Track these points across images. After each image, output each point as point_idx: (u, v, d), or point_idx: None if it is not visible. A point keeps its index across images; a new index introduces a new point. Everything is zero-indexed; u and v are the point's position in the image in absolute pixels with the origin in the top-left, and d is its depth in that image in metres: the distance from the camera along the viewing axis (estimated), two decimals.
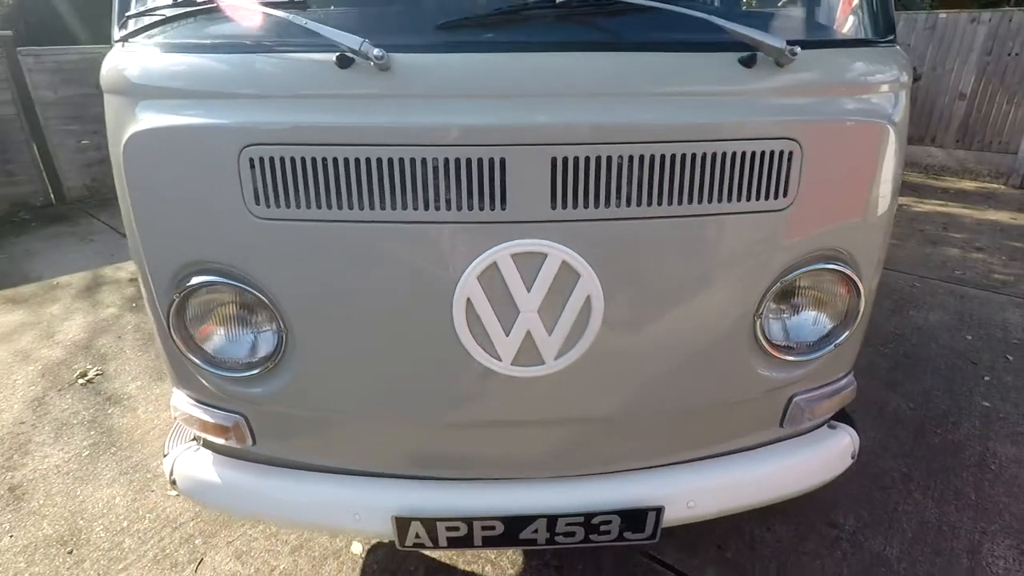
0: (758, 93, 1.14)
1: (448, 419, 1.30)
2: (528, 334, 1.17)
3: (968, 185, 6.63)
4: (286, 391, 1.29)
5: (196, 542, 1.98)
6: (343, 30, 1.04)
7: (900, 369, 2.92)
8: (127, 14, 1.24)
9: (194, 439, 1.59)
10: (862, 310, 1.33)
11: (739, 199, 1.14)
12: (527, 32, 1.14)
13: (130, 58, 1.20)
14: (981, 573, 1.82)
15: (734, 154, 1.11)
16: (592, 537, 1.38)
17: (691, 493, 1.41)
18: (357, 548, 1.95)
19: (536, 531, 1.36)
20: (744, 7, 2.40)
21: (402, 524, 1.34)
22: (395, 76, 1.06)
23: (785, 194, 1.16)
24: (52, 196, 5.72)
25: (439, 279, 1.14)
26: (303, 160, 1.07)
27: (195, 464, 1.49)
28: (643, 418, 1.36)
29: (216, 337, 1.29)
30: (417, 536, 1.36)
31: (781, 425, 1.48)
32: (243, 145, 1.08)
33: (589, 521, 1.35)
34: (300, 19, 1.06)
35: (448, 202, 1.08)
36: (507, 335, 1.17)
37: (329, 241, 1.13)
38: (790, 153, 1.13)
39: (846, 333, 1.33)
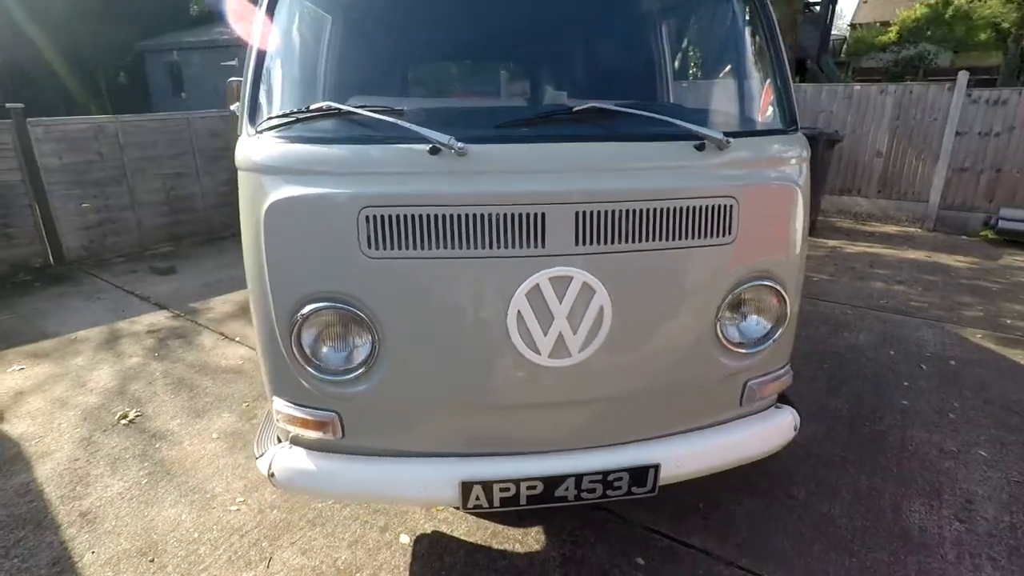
0: (707, 167, 1.70)
1: (501, 402, 1.75)
2: (560, 335, 1.65)
3: (890, 229, 7.55)
4: (377, 389, 1.72)
5: (263, 544, 2.31)
6: (431, 128, 1.56)
7: (836, 379, 3.50)
8: (269, 115, 1.73)
9: (278, 440, 1.98)
10: (789, 315, 1.86)
11: (699, 236, 1.67)
12: (554, 129, 1.69)
13: (267, 146, 1.68)
14: (901, 522, 2.33)
15: (694, 207, 1.65)
16: (608, 492, 1.82)
17: (679, 456, 1.87)
18: (405, 539, 2.31)
19: (567, 488, 1.79)
20: (691, 79, 3.02)
21: (466, 488, 1.75)
22: (470, 160, 1.57)
23: (729, 233, 1.70)
24: (51, 257, 5.94)
25: (499, 296, 1.61)
26: (405, 216, 1.55)
27: (291, 459, 1.87)
28: (640, 398, 1.84)
29: (325, 349, 1.72)
30: (477, 498, 1.77)
31: (740, 404, 1.98)
32: (362, 207, 1.56)
33: (606, 478, 1.80)
34: (404, 123, 1.58)
35: (506, 243, 1.57)
36: (544, 336, 1.65)
37: (419, 271, 1.60)
38: (730, 206, 1.69)
39: (780, 331, 1.87)
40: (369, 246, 1.58)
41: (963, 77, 7.06)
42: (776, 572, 2.12)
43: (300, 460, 1.86)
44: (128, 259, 6.26)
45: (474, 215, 1.56)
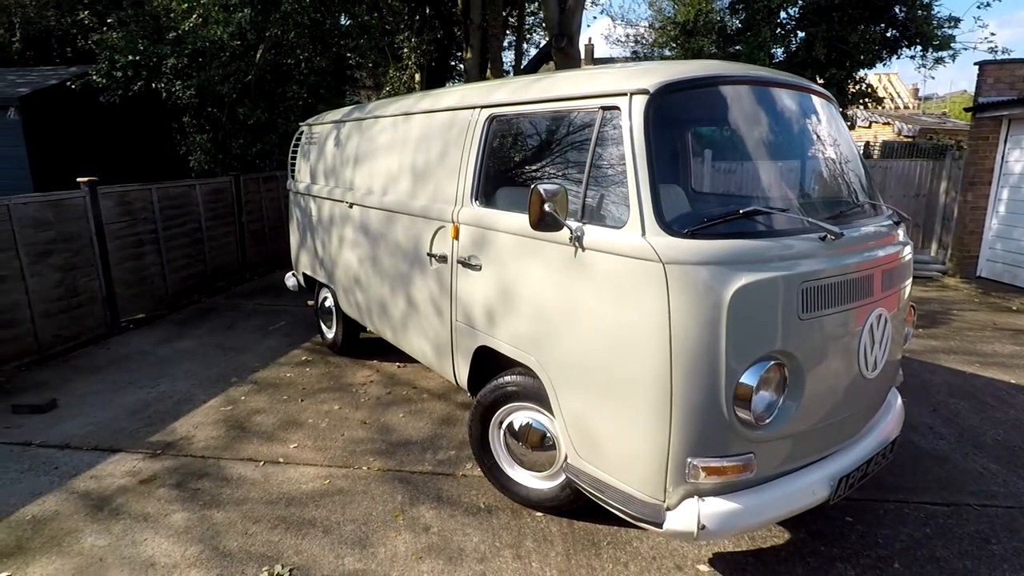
0: (900, 234, 2.71)
1: (850, 409, 2.41)
2: (875, 355, 2.42)
3: None
4: (789, 423, 2.20)
5: None
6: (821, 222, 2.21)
7: None
8: (706, 220, 2.10)
9: (662, 498, 2.22)
10: (915, 322, 2.98)
11: (908, 278, 2.66)
12: (856, 215, 2.51)
13: (707, 244, 2.07)
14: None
15: (908, 260, 2.63)
16: (881, 462, 2.61)
17: (893, 427, 2.77)
18: (703, 567, 2.65)
19: (871, 465, 2.52)
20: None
21: (838, 483, 2.33)
22: (843, 242, 2.25)
23: (911, 275, 2.74)
24: None
25: (856, 333, 2.31)
26: (821, 286, 2.15)
27: (713, 507, 2.15)
28: (884, 387, 2.70)
29: (756, 400, 2.12)
30: (839, 488, 2.36)
31: (893, 381, 3.01)
32: (801, 283, 2.10)
33: (883, 451, 2.59)
34: (807, 220, 2.19)
35: (861, 295, 2.30)
36: (870, 355, 2.40)
37: (824, 324, 2.20)
38: (911, 257, 2.72)
39: (913, 332, 2.97)
40: (803, 311, 2.12)
41: None
42: (909, 498, 3.18)
43: (722, 505, 2.17)
44: None
45: (849, 279, 2.25)
